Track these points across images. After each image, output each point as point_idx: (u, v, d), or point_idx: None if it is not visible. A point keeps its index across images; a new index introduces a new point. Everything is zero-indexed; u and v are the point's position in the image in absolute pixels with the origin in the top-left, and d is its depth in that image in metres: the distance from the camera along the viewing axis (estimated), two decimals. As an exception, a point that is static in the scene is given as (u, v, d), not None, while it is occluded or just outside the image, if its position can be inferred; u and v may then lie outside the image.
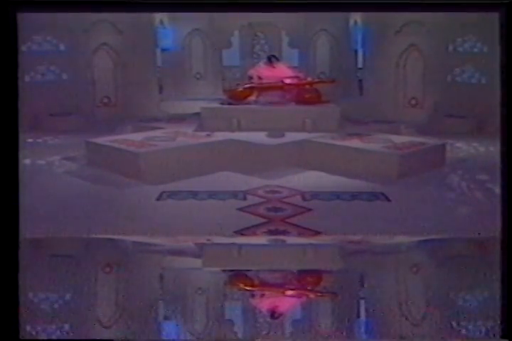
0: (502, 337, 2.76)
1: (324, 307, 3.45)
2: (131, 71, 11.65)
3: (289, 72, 9.65)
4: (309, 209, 6.32)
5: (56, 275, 3.77)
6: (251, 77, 9.66)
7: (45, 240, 5.19)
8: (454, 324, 2.98)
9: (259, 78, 9.54)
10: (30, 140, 9.36)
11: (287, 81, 9.54)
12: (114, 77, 11.68)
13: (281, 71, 9.62)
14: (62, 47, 11.07)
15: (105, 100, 11.65)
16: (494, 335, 2.82)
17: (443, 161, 8.19)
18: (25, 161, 7.77)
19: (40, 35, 10.77)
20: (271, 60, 9.74)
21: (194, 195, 6.81)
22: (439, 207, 6.41)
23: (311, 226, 5.75)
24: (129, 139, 8.32)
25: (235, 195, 6.82)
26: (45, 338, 2.83)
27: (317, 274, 4.15)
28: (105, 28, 11.30)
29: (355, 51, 12.83)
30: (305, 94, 9.28)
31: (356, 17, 12.41)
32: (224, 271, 4.26)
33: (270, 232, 5.65)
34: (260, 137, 8.42)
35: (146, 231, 5.64)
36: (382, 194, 6.83)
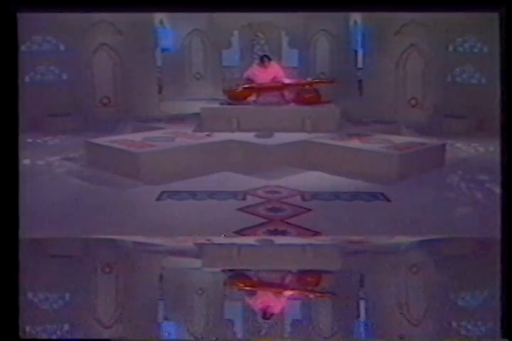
0: (502, 337, 2.76)
1: (324, 307, 3.44)
2: (131, 71, 11.65)
3: (281, 72, 9.65)
4: (309, 210, 6.32)
5: (56, 276, 3.77)
6: (248, 79, 9.66)
7: (45, 240, 5.18)
8: (454, 324, 2.97)
9: (254, 79, 9.54)
10: (30, 140, 9.37)
11: (287, 81, 9.54)
12: (114, 77, 11.68)
13: (273, 71, 9.62)
14: (62, 47, 11.08)
15: (105, 100, 11.66)
16: (494, 335, 2.82)
17: (443, 161, 8.19)
18: (25, 161, 7.77)
19: (40, 35, 10.77)
20: (263, 60, 9.74)
21: (194, 195, 6.81)
22: (439, 207, 6.41)
23: (311, 227, 5.75)
24: (129, 139, 8.32)
25: (234, 195, 6.82)
26: (45, 338, 2.83)
27: (317, 274, 4.15)
28: (105, 28, 11.30)
29: (355, 51, 12.83)
30: (305, 94, 9.27)
31: (356, 17, 12.41)
32: (224, 271, 4.26)
33: (270, 232, 5.65)
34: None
35: (146, 231, 5.64)
36: (382, 194, 6.83)
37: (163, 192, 6.90)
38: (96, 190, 7.11)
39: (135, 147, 7.84)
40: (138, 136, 8.54)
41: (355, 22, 12.55)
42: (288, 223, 5.88)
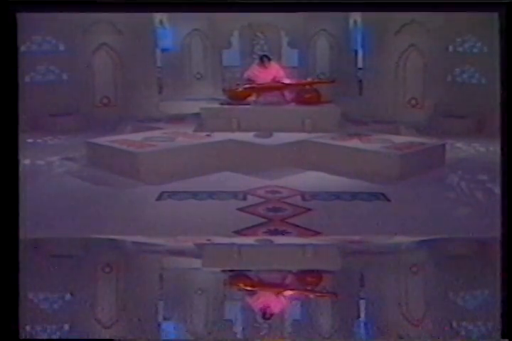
0: (502, 337, 2.76)
1: (324, 307, 3.44)
2: (131, 71, 11.66)
3: (282, 72, 9.65)
4: (309, 209, 6.32)
5: (56, 275, 3.77)
6: (248, 79, 9.66)
7: (45, 240, 5.18)
8: (454, 324, 2.97)
9: (254, 80, 9.54)
10: (30, 140, 9.37)
11: (287, 81, 9.54)
12: (114, 77, 11.70)
13: (273, 71, 9.62)
14: (62, 47, 11.08)
15: (105, 100, 11.66)
16: (494, 335, 2.82)
17: (443, 161, 8.19)
18: (25, 161, 7.77)
19: (39, 35, 10.78)
20: (263, 60, 9.74)
21: (194, 195, 6.81)
22: (439, 207, 6.41)
23: (311, 226, 5.75)
24: (129, 139, 8.32)
25: (235, 195, 6.82)
26: (45, 338, 2.82)
27: (317, 274, 4.15)
28: (105, 28, 11.31)
29: (355, 51, 12.84)
30: (305, 94, 9.28)
31: (356, 17, 12.42)
32: (224, 271, 4.26)
33: (270, 232, 5.65)
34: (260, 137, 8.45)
35: (146, 231, 5.64)
36: (382, 194, 6.83)
37: (163, 192, 6.90)
38: (96, 190, 7.11)
39: (135, 147, 7.84)
40: (138, 136, 8.55)
41: (355, 22, 12.56)
42: (288, 223, 5.88)
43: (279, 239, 5.56)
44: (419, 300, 3.49)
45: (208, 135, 8.58)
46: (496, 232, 3.78)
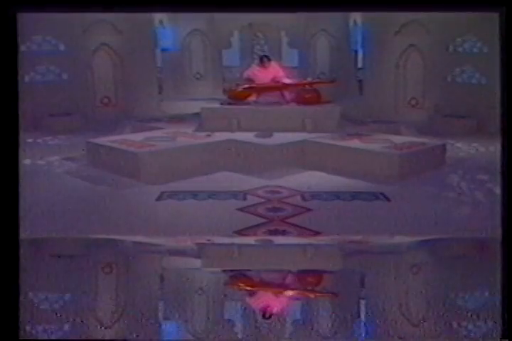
0: (502, 337, 2.76)
1: (324, 307, 3.44)
2: (131, 71, 11.66)
3: (281, 72, 9.65)
4: (309, 209, 6.32)
5: (56, 275, 3.76)
6: (248, 79, 9.65)
7: (45, 240, 5.18)
8: (454, 324, 2.97)
9: (254, 80, 9.54)
10: (30, 140, 9.37)
11: (287, 81, 9.54)
12: (114, 77, 11.70)
13: (273, 71, 9.62)
14: (62, 47, 11.09)
15: (105, 100, 11.67)
16: (494, 335, 2.82)
17: (443, 161, 8.19)
18: (25, 161, 7.77)
19: (39, 35, 10.78)
20: (263, 60, 9.74)
21: (194, 195, 6.81)
22: (439, 207, 6.41)
23: (311, 227, 5.75)
24: (129, 139, 8.32)
25: (234, 195, 6.82)
26: (45, 338, 2.82)
27: (317, 274, 4.15)
28: (105, 28, 11.32)
29: (355, 51, 12.85)
30: (305, 94, 9.28)
31: (356, 17, 12.44)
32: (224, 271, 4.26)
33: (270, 232, 5.65)
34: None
35: (146, 231, 5.64)
36: (382, 194, 6.83)
37: (163, 192, 6.90)
38: (96, 190, 7.11)
39: (135, 147, 7.84)
40: (138, 136, 8.55)
41: (355, 22, 12.57)
42: (288, 223, 5.88)
43: (279, 239, 5.56)
44: (420, 300, 3.49)
45: (208, 135, 8.58)
46: (496, 232, 3.78)
